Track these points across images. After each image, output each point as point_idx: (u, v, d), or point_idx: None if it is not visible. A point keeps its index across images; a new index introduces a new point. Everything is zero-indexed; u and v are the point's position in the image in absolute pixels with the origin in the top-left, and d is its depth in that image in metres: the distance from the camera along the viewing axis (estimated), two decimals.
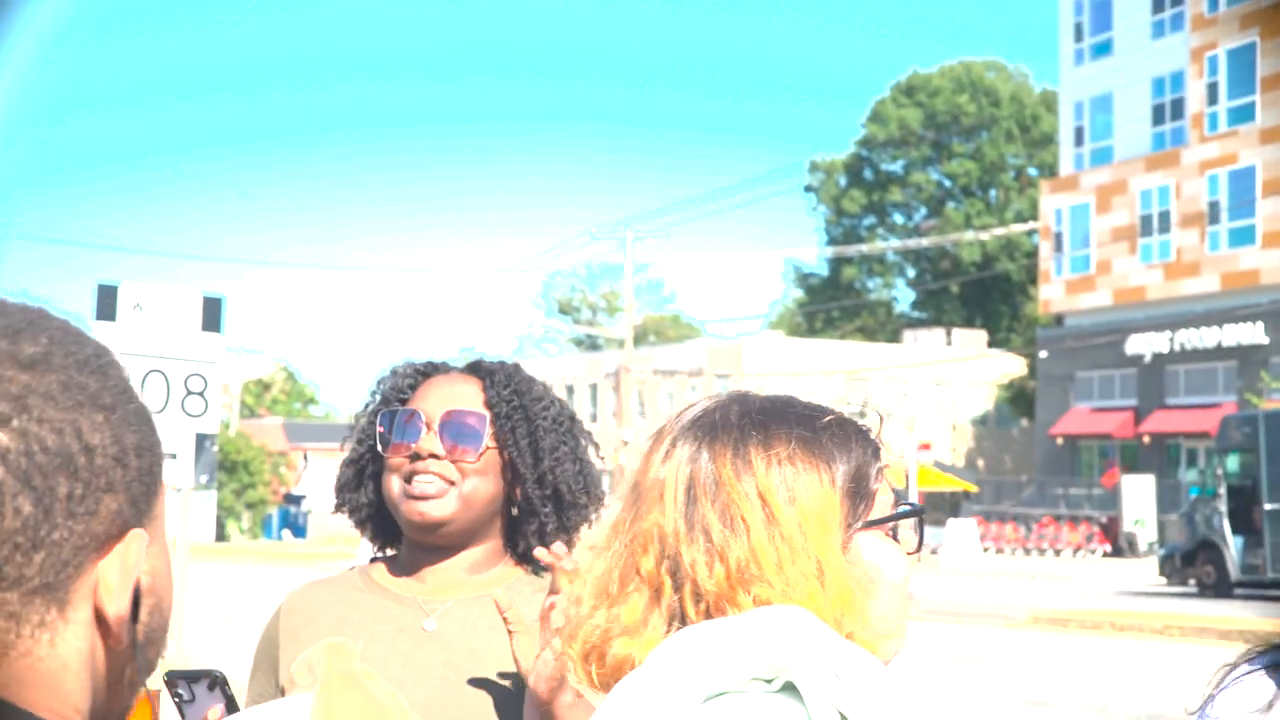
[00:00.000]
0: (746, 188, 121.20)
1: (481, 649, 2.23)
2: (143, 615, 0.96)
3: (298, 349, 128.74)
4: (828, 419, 1.40)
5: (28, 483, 0.88)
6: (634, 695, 1.21)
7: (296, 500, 63.18)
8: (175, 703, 2.12)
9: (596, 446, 2.44)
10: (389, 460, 2.30)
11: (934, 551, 36.02)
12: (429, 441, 2.26)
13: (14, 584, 0.88)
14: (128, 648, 0.96)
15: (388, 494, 2.31)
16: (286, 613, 2.35)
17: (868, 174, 70.45)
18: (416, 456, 2.26)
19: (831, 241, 71.57)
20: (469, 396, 2.33)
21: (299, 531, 60.90)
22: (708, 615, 1.29)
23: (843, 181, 70.66)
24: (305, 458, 66.34)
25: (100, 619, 0.93)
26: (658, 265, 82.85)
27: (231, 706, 2.09)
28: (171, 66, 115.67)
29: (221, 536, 55.49)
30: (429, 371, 2.41)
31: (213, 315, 10.37)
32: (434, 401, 2.31)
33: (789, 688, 1.18)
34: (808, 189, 72.03)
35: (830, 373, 54.05)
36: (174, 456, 10.14)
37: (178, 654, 13.13)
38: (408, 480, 2.27)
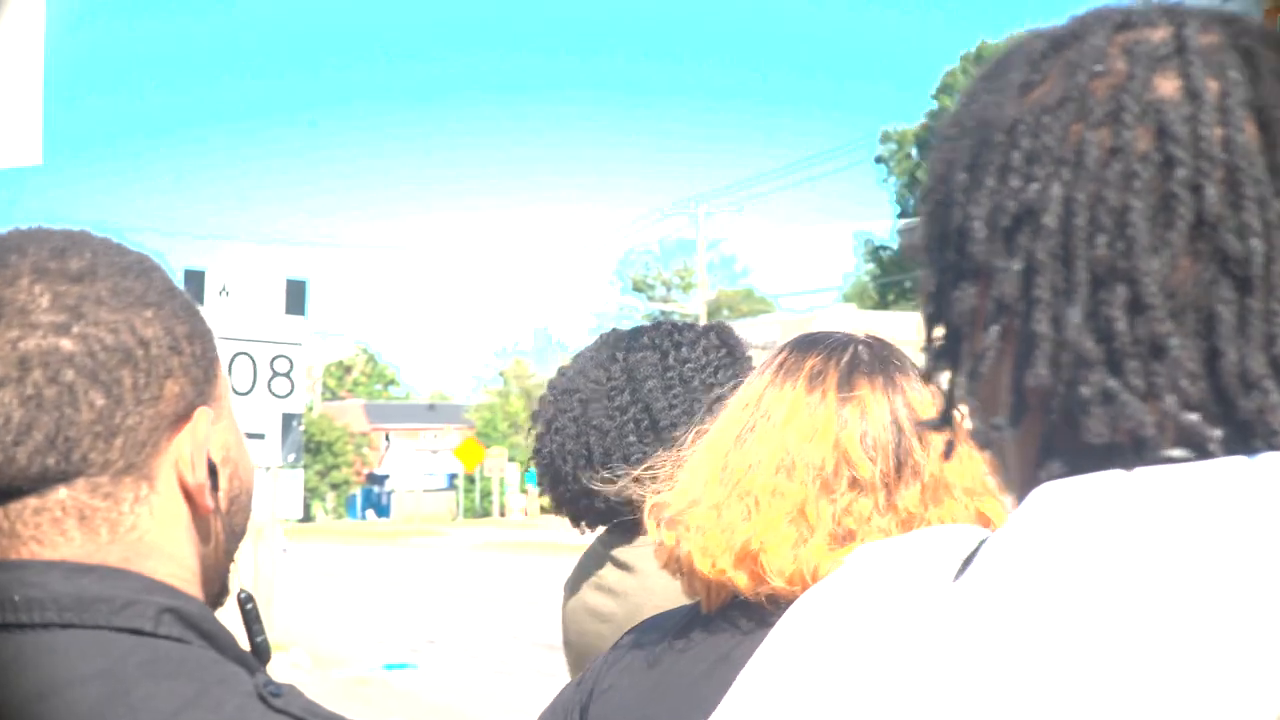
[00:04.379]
0: (817, 161, 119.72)
1: None
2: (222, 483, 1.09)
3: (377, 331, 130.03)
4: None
5: (96, 379, 0.98)
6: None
7: (380, 480, 63.91)
8: None
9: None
10: None
11: None
12: None
13: (102, 468, 1.00)
14: (214, 513, 1.08)
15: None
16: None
17: None
18: None
19: (903, 213, 71.10)
20: None
21: (382, 511, 61.71)
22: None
23: (914, 153, 70.21)
24: (387, 438, 67.14)
25: (185, 490, 1.05)
26: (730, 240, 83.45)
27: None
28: (229, 41, 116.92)
29: (307, 517, 56.44)
30: None
31: (296, 298, 10.80)
32: None
33: None
34: (878, 160, 71.42)
35: (903, 344, 53.79)
36: (262, 436, 10.59)
37: (270, 626, 13.67)
38: None
